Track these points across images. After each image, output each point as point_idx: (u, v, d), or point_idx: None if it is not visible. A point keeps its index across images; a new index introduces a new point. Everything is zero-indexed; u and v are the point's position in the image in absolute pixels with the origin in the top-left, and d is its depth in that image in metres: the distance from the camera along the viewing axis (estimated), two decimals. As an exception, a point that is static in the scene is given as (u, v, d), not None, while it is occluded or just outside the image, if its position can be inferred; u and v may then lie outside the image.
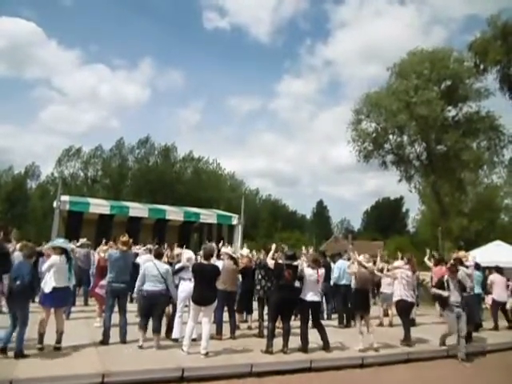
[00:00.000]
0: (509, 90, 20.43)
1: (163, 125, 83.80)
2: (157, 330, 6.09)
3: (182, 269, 6.67)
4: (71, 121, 76.62)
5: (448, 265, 7.83)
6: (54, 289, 5.63)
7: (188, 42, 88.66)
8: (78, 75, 77.42)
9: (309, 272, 6.55)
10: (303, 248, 9.19)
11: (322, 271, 6.74)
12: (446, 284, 7.09)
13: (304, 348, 6.30)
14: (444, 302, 7.22)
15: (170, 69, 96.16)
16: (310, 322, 6.60)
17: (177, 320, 6.61)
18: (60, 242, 6.09)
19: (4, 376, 4.40)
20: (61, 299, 5.78)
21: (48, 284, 5.66)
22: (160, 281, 6.16)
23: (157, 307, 6.14)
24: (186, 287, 6.49)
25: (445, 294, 7.01)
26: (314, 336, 6.52)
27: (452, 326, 6.94)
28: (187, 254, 6.88)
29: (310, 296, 6.50)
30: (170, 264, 7.95)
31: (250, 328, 7.86)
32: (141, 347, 5.92)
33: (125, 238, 6.56)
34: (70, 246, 6.26)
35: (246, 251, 8.48)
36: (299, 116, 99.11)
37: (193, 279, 6.21)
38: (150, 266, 6.28)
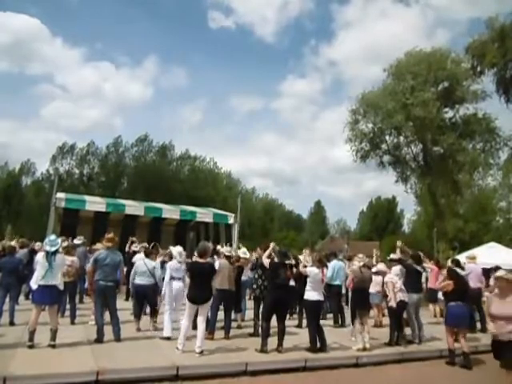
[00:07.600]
0: (504, 92, 20.48)
1: (165, 123, 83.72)
2: (150, 316, 7.36)
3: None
4: (74, 118, 76.19)
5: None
6: (40, 285, 5.61)
7: (192, 41, 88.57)
8: (82, 72, 77.52)
9: (314, 271, 6.57)
10: (304, 250, 9.27)
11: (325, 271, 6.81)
12: None
13: (313, 348, 6.27)
14: None
15: (174, 67, 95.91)
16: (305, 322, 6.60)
17: (166, 318, 6.63)
18: (51, 238, 5.97)
19: (-2, 373, 4.38)
20: (50, 296, 5.70)
21: (33, 281, 5.71)
22: (149, 275, 7.19)
23: (147, 298, 7.28)
24: (176, 286, 6.70)
25: None
26: (306, 335, 6.53)
27: None
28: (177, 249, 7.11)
29: (316, 295, 6.53)
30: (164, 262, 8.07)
31: (239, 327, 7.78)
32: (138, 330, 6.98)
33: (110, 235, 6.56)
34: (59, 242, 6.10)
35: (242, 251, 8.45)
36: (301, 116, 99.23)
37: (188, 279, 6.25)
38: (140, 263, 7.37)
